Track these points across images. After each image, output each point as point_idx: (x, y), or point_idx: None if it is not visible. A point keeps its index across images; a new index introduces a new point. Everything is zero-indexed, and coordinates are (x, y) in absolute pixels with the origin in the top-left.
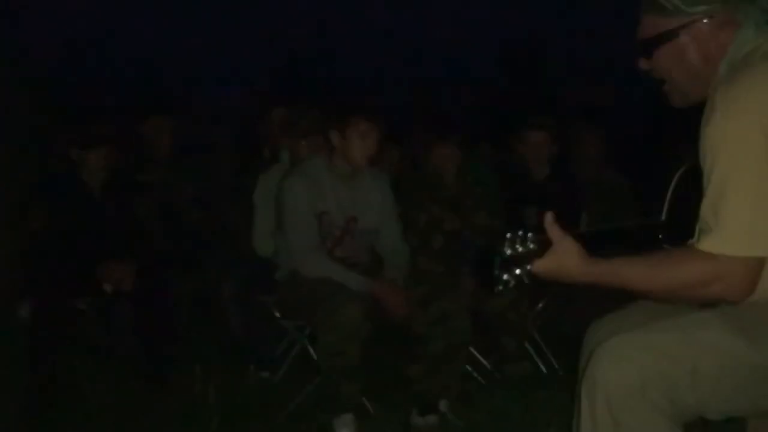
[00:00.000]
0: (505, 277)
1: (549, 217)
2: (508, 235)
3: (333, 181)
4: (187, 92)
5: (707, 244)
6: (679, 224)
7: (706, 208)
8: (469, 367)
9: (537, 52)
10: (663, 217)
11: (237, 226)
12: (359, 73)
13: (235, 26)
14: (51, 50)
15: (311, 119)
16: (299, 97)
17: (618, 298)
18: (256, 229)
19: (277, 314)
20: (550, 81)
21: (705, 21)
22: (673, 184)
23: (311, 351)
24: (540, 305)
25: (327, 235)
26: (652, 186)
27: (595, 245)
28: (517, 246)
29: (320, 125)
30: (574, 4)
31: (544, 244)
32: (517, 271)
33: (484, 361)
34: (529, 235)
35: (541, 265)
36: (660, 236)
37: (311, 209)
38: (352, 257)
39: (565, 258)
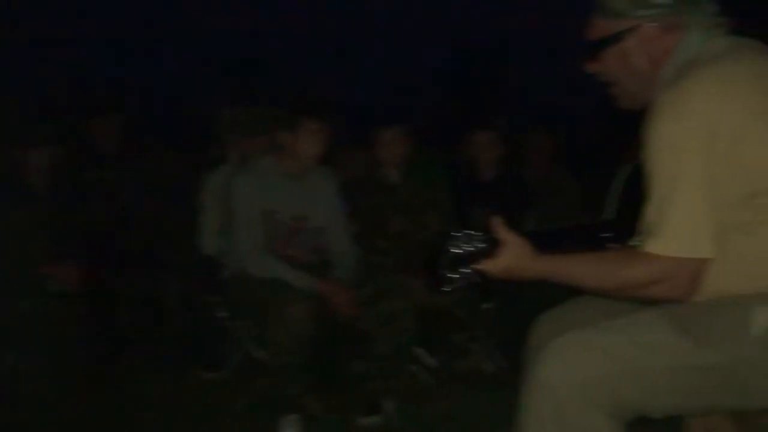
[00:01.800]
0: (453, 276)
1: (496, 218)
2: (456, 234)
3: (281, 181)
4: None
5: (652, 245)
6: (625, 224)
7: (651, 209)
8: (416, 367)
9: (492, 54)
10: (609, 217)
11: (184, 225)
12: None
13: (189, 23)
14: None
15: (260, 119)
16: (249, 96)
17: (565, 294)
18: (203, 229)
19: (224, 314)
20: (502, 82)
21: (651, 25)
22: (619, 184)
23: (257, 351)
24: (488, 303)
25: (275, 235)
26: (601, 186)
27: (543, 244)
28: (465, 245)
29: (269, 125)
30: (529, 8)
31: (492, 243)
32: (465, 270)
33: (432, 360)
34: (477, 234)
35: (489, 263)
36: (606, 235)
37: (259, 208)
38: (300, 256)
39: (513, 255)
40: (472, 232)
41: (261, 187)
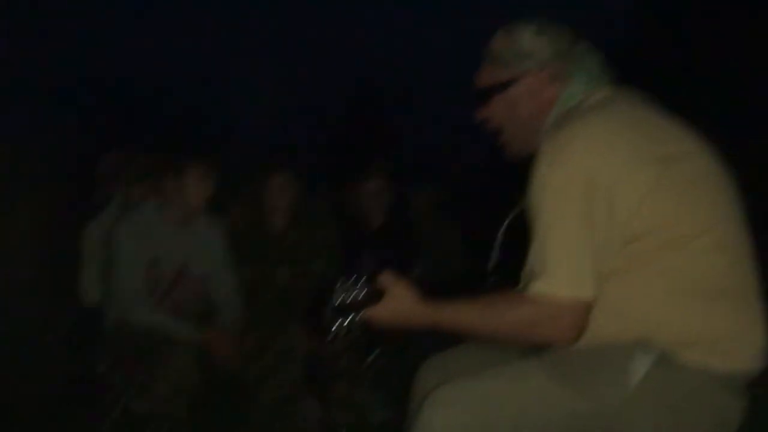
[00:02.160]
0: (337, 324)
1: (383, 266)
2: (340, 281)
3: (165, 228)
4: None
5: (535, 288)
6: (508, 268)
7: (533, 253)
8: (301, 417)
9: (381, 99)
10: (493, 261)
11: (64, 272)
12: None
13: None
14: None
15: (145, 163)
16: (133, 140)
17: (451, 341)
18: (84, 277)
19: (103, 365)
20: (391, 128)
21: (537, 73)
22: (502, 228)
23: (138, 403)
24: (374, 352)
25: (157, 283)
26: (486, 231)
27: (429, 291)
28: (350, 293)
29: (154, 170)
30: (421, 53)
31: (377, 291)
32: (351, 317)
33: (318, 410)
34: (362, 281)
35: (374, 311)
36: (491, 280)
37: (141, 256)
38: (183, 305)
39: (400, 302)
40: (359, 280)
41: (144, 234)
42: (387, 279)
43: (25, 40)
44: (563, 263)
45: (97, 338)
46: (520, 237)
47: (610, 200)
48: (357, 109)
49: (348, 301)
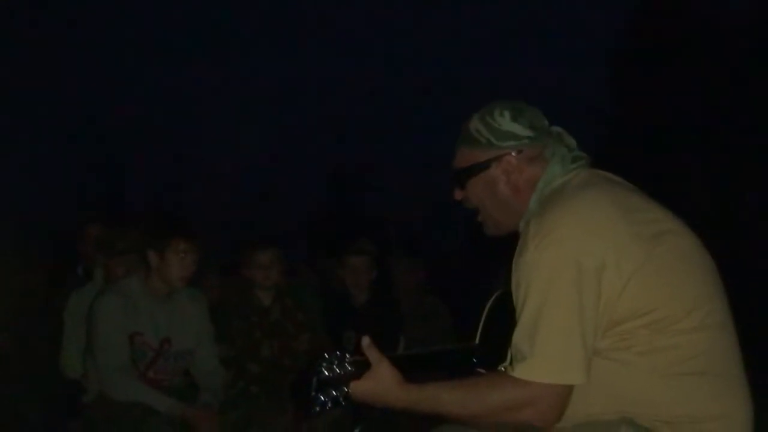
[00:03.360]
0: (322, 398)
1: (366, 340)
2: (326, 356)
3: (148, 302)
4: None
5: (521, 370)
6: (492, 348)
7: (519, 335)
8: None
9: (363, 178)
10: (477, 342)
11: (45, 346)
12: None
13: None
14: None
15: (128, 237)
16: (116, 214)
17: (432, 421)
18: (65, 350)
19: None
20: (373, 206)
21: (514, 155)
22: (486, 309)
23: None
24: (357, 428)
25: (139, 357)
26: (470, 311)
27: (412, 369)
28: (335, 368)
29: (137, 244)
30: (402, 135)
31: (362, 367)
32: (334, 393)
33: None
34: (347, 356)
35: (358, 387)
36: (474, 360)
37: (123, 330)
38: (165, 380)
39: (381, 381)
40: (344, 354)
41: (126, 307)
42: (372, 353)
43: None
44: (550, 347)
45: (78, 412)
46: (505, 317)
47: (597, 283)
48: (339, 190)
49: (334, 375)
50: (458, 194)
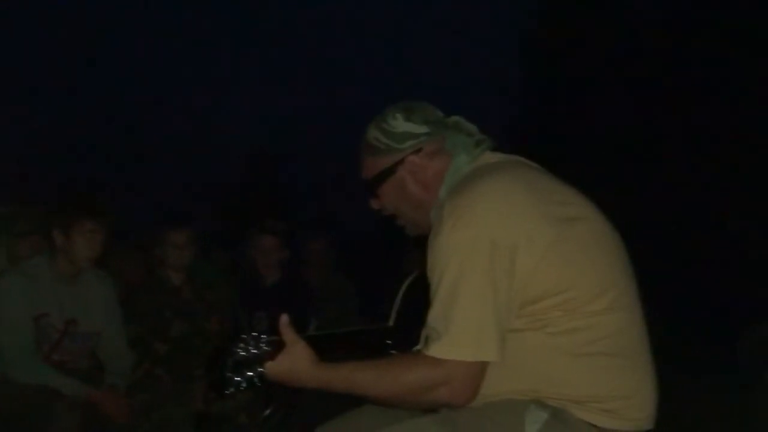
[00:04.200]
0: (237, 378)
1: (284, 319)
2: (242, 336)
3: (54, 283)
4: None
5: (435, 349)
6: (406, 331)
7: (434, 315)
8: None
9: (274, 157)
10: (391, 323)
11: None
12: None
13: None
14: None
15: (32, 218)
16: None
17: (346, 402)
18: None
19: None
20: (284, 186)
21: (416, 154)
22: (401, 291)
23: None
24: (269, 409)
25: (44, 339)
26: (381, 292)
27: (327, 349)
28: (250, 348)
29: (42, 224)
30: (314, 118)
31: (277, 347)
32: (249, 373)
33: None
34: (263, 337)
35: (273, 367)
36: (388, 341)
37: (28, 311)
38: (71, 362)
39: (297, 361)
40: (258, 335)
41: (30, 289)
42: (287, 335)
43: None
44: (465, 325)
45: None
46: (420, 299)
47: (511, 262)
48: (250, 173)
49: (249, 355)
50: (374, 203)
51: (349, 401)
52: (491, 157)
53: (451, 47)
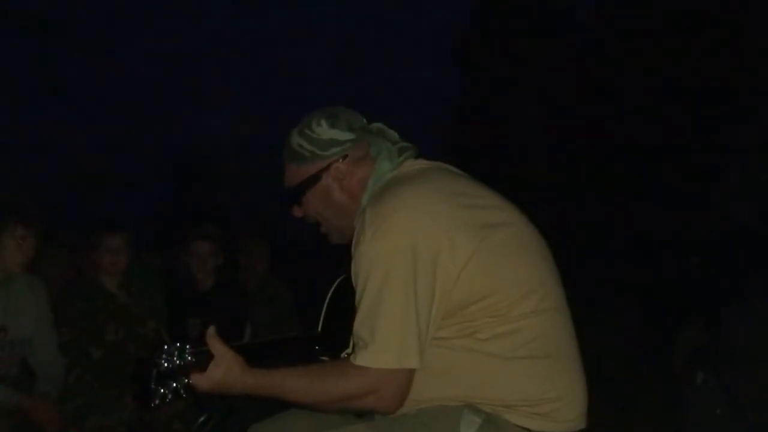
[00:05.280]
0: (162, 390)
1: (211, 330)
2: (166, 347)
3: None
4: None
5: (361, 358)
6: (334, 335)
7: (359, 323)
8: None
9: (208, 162)
10: (319, 329)
11: None
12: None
13: None
14: None
15: None
16: None
17: (277, 407)
18: None
19: None
20: (218, 191)
21: (341, 161)
22: (328, 295)
23: None
24: (202, 417)
25: None
26: (315, 295)
27: (257, 356)
28: (175, 358)
29: None
30: (248, 118)
31: (204, 356)
32: (174, 384)
33: None
34: (188, 347)
35: (200, 378)
36: (317, 347)
37: None
38: (1, 369)
39: (224, 370)
40: (184, 345)
41: None
42: (214, 343)
43: None
44: (389, 334)
45: None
46: (347, 303)
47: (433, 269)
48: (185, 178)
49: (173, 366)
50: (297, 211)
51: (281, 407)
52: (414, 164)
53: (388, 51)
